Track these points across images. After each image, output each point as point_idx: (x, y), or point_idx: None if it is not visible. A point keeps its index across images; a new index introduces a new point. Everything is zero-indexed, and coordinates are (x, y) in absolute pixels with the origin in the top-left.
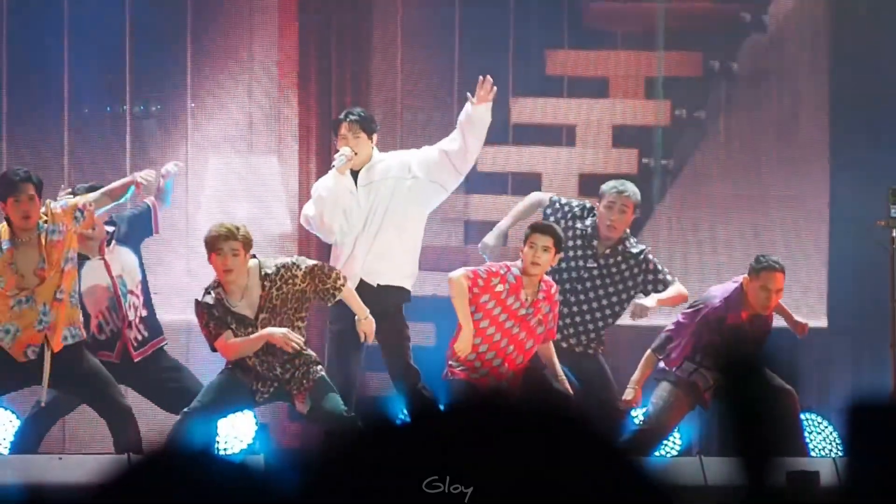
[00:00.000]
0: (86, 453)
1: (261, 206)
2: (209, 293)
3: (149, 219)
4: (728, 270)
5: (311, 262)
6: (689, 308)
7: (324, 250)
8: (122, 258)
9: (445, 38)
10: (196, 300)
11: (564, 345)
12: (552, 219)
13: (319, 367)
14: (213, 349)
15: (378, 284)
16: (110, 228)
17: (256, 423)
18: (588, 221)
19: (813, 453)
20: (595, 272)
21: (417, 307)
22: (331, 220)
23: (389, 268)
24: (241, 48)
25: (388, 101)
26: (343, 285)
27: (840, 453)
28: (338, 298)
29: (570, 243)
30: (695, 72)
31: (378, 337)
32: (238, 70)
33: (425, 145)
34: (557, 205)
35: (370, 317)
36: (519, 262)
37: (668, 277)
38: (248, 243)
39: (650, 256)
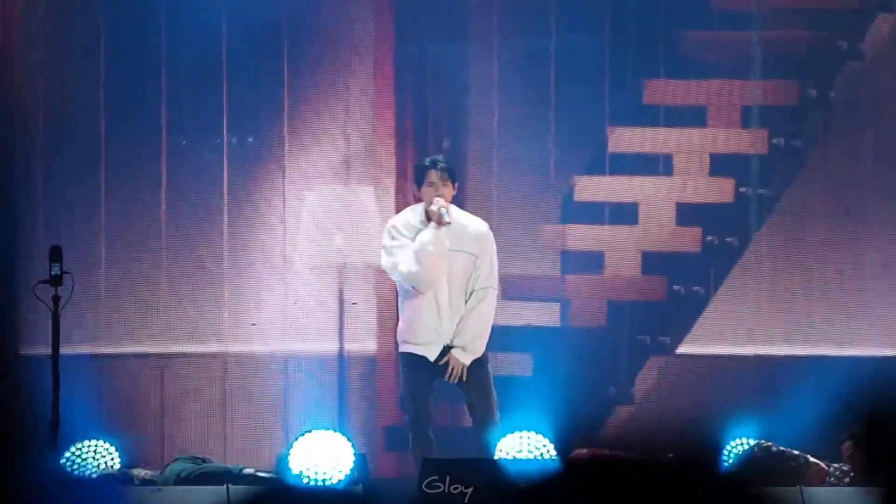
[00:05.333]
0: (184, 485)
1: (357, 239)
2: None
3: None
4: (823, 300)
5: None
6: None
7: None
8: None
9: (541, 67)
10: None
11: None
12: None
13: None
14: None
15: (471, 362)
16: None
17: (355, 453)
18: None
19: None
20: None
21: (515, 337)
22: (437, 272)
23: (477, 340)
24: (338, 80)
25: (485, 133)
26: None
27: None
28: None
29: None
30: (792, 100)
31: (466, 395)
32: (334, 101)
33: (519, 179)
34: None
35: None
36: None
37: None
38: None
39: None
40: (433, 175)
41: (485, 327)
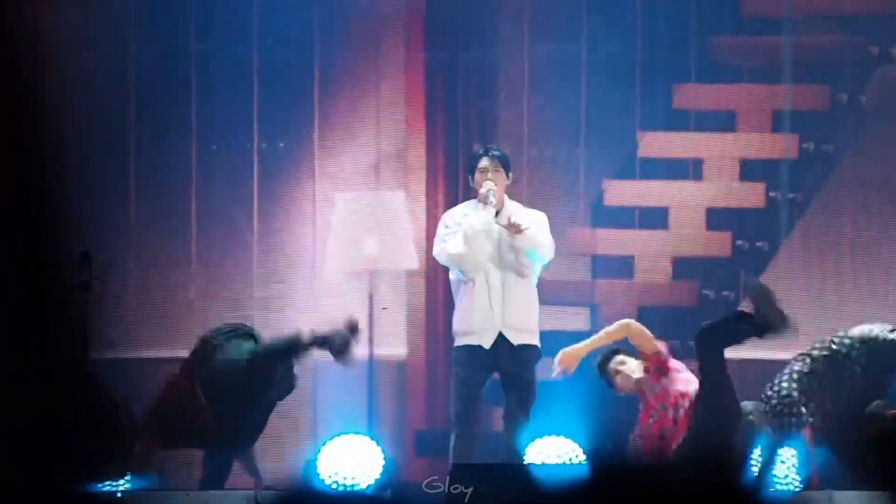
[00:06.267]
0: (228, 488)
1: (388, 241)
2: None
3: None
4: (855, 304)
5: None
6: None
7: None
8: None
9: (571, 72)
10: None
11: None
12: None
13: None
14: None
15: (518, 344)
16: None
17: (384, 458)
18: None
19: None
20: None
21: (544, 342)
22: (483, 254)
23: (526, 324)
24: (368, 84)
25: (515, 137)
26: None
27: None
28: None
29: None
30: (822, 105)
31: (506, 394)
32: (365, 106)
33: (549, 183)
34: None
35: None
36: None
37: None
38: None
39: None
40: (484, 161)
41: (541, 237)
